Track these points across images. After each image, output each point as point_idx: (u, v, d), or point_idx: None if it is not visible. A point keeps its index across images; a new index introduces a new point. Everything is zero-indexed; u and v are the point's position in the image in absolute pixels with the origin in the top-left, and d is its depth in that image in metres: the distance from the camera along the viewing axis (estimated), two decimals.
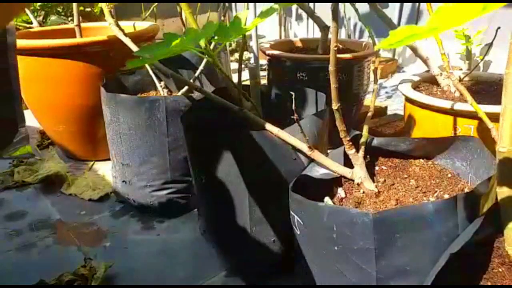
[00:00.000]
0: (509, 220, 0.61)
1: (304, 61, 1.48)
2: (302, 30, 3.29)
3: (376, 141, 0.92)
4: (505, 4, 0.32)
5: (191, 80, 1.37)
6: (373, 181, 0.83)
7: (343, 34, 2.88)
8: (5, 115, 0.82)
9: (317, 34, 1.61)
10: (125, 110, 1.20)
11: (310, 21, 3.15)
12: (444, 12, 0.31)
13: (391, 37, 0.34)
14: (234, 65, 2.88)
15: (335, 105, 0.78)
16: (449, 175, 0.85)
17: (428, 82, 1.26)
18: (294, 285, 1.00)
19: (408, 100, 1.15)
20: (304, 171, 0.84)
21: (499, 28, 1.04)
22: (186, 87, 1.33)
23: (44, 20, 2.46)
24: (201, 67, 1.38)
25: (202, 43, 0.83)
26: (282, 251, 1.01)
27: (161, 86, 1.37)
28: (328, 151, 0.98)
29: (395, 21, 2.62)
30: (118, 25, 1.35)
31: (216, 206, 1.04)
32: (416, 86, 1.22)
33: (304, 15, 3.15)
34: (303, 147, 0.84)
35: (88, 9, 2.52)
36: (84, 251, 1.17)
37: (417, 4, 2.61)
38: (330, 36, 1.52)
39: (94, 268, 1.03)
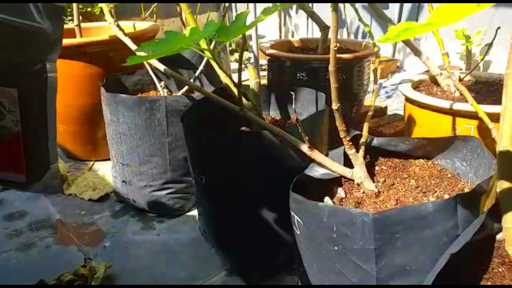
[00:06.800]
0: (509, 220, 0.61)
1: (304, 61, 1.48)
2: (302, 29, 3.29)
3: (376, 141, 0.92)
4: (495, 3, 0.33)
5: (191, 80, 1.37)
6: (373, 181, 0.83)
7: (343, 35, 2.88)
8: (38, 153, 0.80)
9: (317, 34, 1.61)
10: (125, 110, 1.20)
11: (310, 20, 3.15)
12: (442, 10, 0.32)
13: (389, 32, 0.34)
14: (234, 65, 2.88)
15: (335, 105, 0.78)
16: (449, 175, 0.85)
17: (428, 82, 1.26)
18: (294, 285, 1.00)
19: (408, 100, 1.15)
20: (304, 171, 0.84)
21: (499, 28, 1.04)
22: (186, 87, 1.33)
23: None
24: (201, 67, 1.38)
25: (203, 42, 0.83)
26: (282, 250, 1.00)
27: (161, 86, 1.37)
28: (328, 151, 0.98)
29: (395, 21, 2.62)
30: (118, 25, 1.35)
31: (216, 206, 1.04)
32: (416, 86, 1.22)
33: (304, 14, 3.15)
34: (303, 147, 0.84)
35: (88, 9, 2.52)
36: (84, 251, 1.17)
37: (417, 4, 2.61)
38: (330, 36, 1.52)
39: (94, 268, 1.03)
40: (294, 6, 3.26)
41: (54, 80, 0.77)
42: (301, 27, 3.29)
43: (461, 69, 2.14)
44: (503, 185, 0.61)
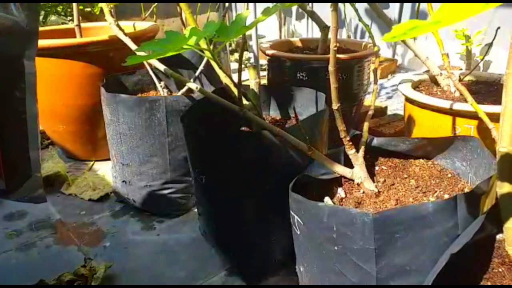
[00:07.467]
0: (509, 220, 0.61)
1: (304, 61, 1.48)
2: (302, 30, 3.29)
3: (376, 141, 0.92)
4: (502, 3, 0.32)
5: (191, 80, 1.37)
6: (373, 181, 0.83)
7: (343, 34, 2.88)
8: (18, 158, 0.75)
9: (317, 34, 1.61)
10: (125, 110, 1.20)
11: (310, 20, 3.15)
12: (446, 9, 0.32)
13: (394, 31, 0.34)
14: (234, 65, 2.88)
15: (335, 105, 0.78)
16: (449, 175, 0.85)
17: (428, 82, 1.26)
18: (294, 285, 1.00)
19: (408, 100, 1.15)
20: (304, 171, 0.84)
21: (499, 28, 1.04)
22: (186, 87, 1.33)
23: (44, 20, 2.46)
24: (201, 67, 1.38)
25: (203, 42, 0.83)
26: (282, 250, 1.00)
27: (161, 86, 1.37)
28: (328, 151, 0.98)
29: (395, 21, 2.62)
30: (118, 25, 1.35)
31: (216, 206, 1.04)
32: (416, 86, 1.22)
33: (304, 15, 3.15)
34: (303, 147, 0.84)
35: (88, 9, 2.52)
36: (84, 251, 1.17)
37: (417, 4, 2.61)
38: (330, 36, 1.52)
39: (94, 268, 1.03)
40: (294, 10, 3.26)
41: (33, 79, 0.75)
42: (301, 27, 3.29)
43: (461, 69, 2.14)
44: (503, 185, 0.61)
